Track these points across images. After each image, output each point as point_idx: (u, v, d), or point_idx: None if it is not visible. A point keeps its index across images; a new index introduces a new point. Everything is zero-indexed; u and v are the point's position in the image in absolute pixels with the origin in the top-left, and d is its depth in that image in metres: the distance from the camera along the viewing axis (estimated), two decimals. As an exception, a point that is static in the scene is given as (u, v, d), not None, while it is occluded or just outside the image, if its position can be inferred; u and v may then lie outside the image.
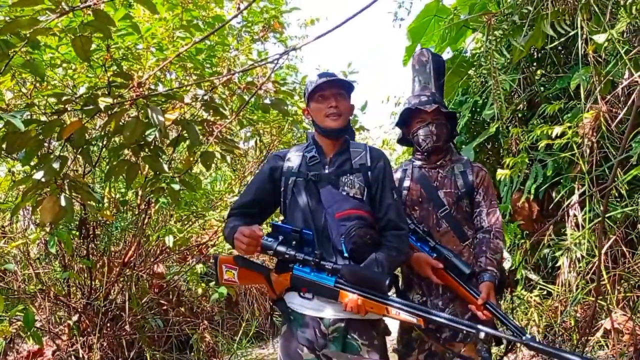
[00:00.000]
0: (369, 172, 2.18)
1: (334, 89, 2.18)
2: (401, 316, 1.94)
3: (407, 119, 2.65)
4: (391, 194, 2.19)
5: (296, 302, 2.11)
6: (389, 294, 1.99)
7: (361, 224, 2.06)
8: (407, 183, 2.59)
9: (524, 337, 2.01)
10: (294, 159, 2.24)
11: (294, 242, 2.05)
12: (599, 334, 3.82)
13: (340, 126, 2.18)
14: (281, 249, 2.04)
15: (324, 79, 2.17)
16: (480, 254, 2.41)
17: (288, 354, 2.11)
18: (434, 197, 2.52)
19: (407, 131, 2.68)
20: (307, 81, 2.29)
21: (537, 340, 2.27)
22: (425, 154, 2.59)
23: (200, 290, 5.12)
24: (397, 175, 2.62)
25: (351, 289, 1.97)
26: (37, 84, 3.13)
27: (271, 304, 2.25)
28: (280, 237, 2.07)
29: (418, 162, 2.63)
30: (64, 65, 3.13)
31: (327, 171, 2.18)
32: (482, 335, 1.89)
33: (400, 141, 2.81)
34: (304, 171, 2.19)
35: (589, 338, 3.82)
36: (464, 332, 1.98)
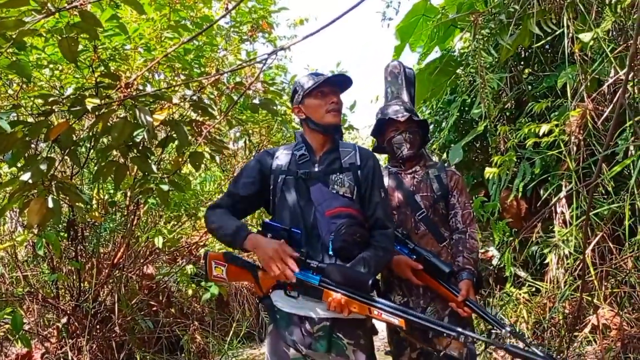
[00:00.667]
0: (359, 171, 2.20)
1: (334, 86, 2.20)
2: (383, 317, 1.94)
3: (382, 128, 2.73)
4: (379, 193, 2.21)
5: (283, 300, 2.11)
6: (372, 295, 2.00)
7: (351, 222, 2.09)
8: None
9: (504, 331, 2.04)
10: (282, 157, 2.24)
11: (282, 241, 2.05)
12: (586, 329, 3.86)
13: (339, 122, 2.21)
14: None
15: (326, 75, 2.19)
16: (458, 253, 2.51)
17: (275, 353, 2.11)
18: (411, 201, 2.60)
19: (382, 140, 2.76)
20: (298, 80, 2.29)
21: (518, 331, 2.29)
22: (400, 161, 2.67)
23: (190, 291, 5.10)
24: None
25: (335, 288, 1.97)
26: (24, 85, 3.11)
27: (258, 301, 2.25)
28: (269, 235, 2.07)
29: (394, 169, 2.71)
30: (51, 66, 3.10)
31: (316, 169, 2.18)
32: (462, 338, 1.91)
33: (376, 149, 2.88)
34: (294, 169, 2.19)
35: (577, 334, 3.86)
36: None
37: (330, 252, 2.05)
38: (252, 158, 2.34)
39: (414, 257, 2.43)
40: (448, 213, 2.62)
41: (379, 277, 2.75)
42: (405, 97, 2.79)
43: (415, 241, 2.50)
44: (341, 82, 2.23)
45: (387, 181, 2.67)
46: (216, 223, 2.12)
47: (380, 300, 1.97)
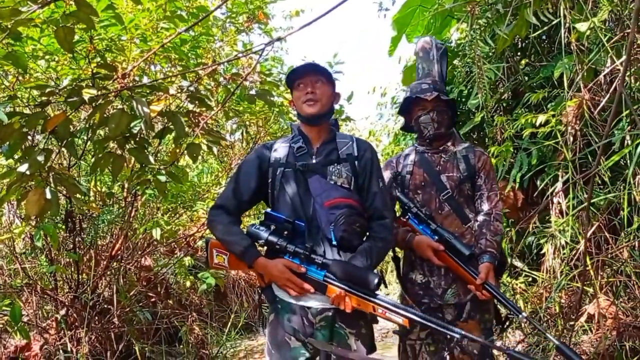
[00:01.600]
0: (356, 162, 2.21)
1: (312, 76, 2.19)
2: (387, 315, 1.96)
3: (409, 107, 2.70)
4: (377, 182, 2.22)
5: (284, 291, 2.11)
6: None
7: (351, 212, 2.09)
8: (410, 168, 2.65)
9: (520, 316, 2.05)
10: (280, 150, 2.25)
11: (285, 232, 2.06)
12: (582, 319, 3.88)
13: (318, 112, 2.19)
14: (272, 238, 2.06)
15: (294, 69, 2.20)
16: (481, 236, 2.48)
17: (276, 342, 2.13)
18: (437, 180, 2.58)
19: (409, 118, 2.74)
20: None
21: (530, 317, 2.32)
22: (428, 140, 2.64)
23: (188, 283, 5.11)
24: (400, 161, 2.71)
25: (339, 285, 1.99)
26: (20, 77, 3.09)
27: (260, 292, 2.26)
28: (272, 227, 2.09)
29: (421, 148, 2.69)
30: (47, 57, 3.09)
31: (314, 161, 2.19)
32: (465, 341, 1.95)
33: (403, 128, 2.88)
34: (292, 161, 2.19)
35: (573, 323, 3.88)
36: (468, 312, 2.17)
37: (334, 243, 2.07)
38: (250, 151, 2.35)
39: (436, 237, 2.43)
40: (474, 194, 2.60)
41: (400, 255, 2.77)
42: (436, 73, 2.76)
43: (439, 221, 2.50)
44: (312, 70, 2.21)
45: (413, 160, 2.66)
46: (225, 237, 2.15)
47: (384, 298, 1.99)
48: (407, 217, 2.55)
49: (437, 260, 2.43)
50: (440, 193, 2.56)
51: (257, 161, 2.23)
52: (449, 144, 2.66)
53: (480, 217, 2.54)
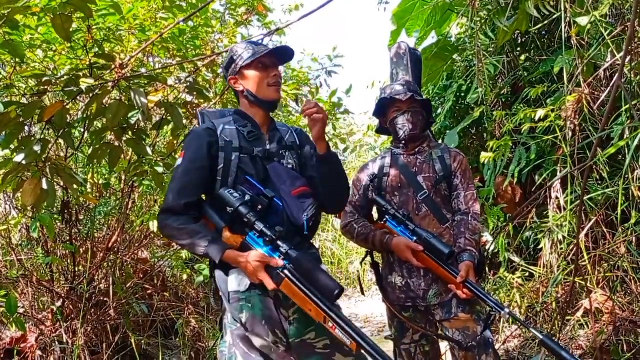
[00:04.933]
0: (300, 151, 2.18)
1: (274, 59, 2.11)
2: (336, 332, 1.79)
3: (384, 109, 2.69)
4: None
5: (247, 281, 1.95)
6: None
7: (315, 202, 2.08)
8: (387, 170, 2.64)
9: (502, 312, 2.04)
10: (228, 133, 2.06)
11: (259, 207, 1.93)
12: (579, 313, 3.89)
13: (280, 98, 2.15)
14: (243, 210, 1.90)
15: (267, 47, 2.09)
16: (459, 235, 2.47)
17: (255, 347, 1.95)
18: (414, 182, 2.57)
19: (385, 121, 2.72)
20: (234, 48, 2.16)
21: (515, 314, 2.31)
22: (403, 142, 2.63)
23: (185, 276, 5.10)
24: (377, 164, 2.70)
25: (297, 283, 1.84)
26: (17, 66, 3.07)
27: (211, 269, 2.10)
28: (247, 197, 1.94)
29: (397, 150, 2.68)
30: (44, 46, 3.07)
31: (269, 147, 2.10)
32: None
33: (379, 131, 2.86)
34: (247, 147, 2.05)
35: (570, 318, 3.90)
36: (457, 307, 2.16)
37: (306, 232, 2.02)
38: (191, 133, 2.12)
39: (415, 238, 2.41)
40: (451, 194, 2.60)
41: (378, 259, 2.76)
42: (410, 78, 2.75)
43: (417, 223, 2.48)
44: (283, 54, 2.13)
45: (389, 162, 2.65)
46: (183, 242, 1.95)
47: (339, 314, 1.83)
48: (384, 219, 2.54)
49: (416, 262, 2.40)
50: (418, 194, 2.55)
51: (207, 147, 2.01)
52: (424, 145, 2.66)
53: (458, 217, 2.53)
